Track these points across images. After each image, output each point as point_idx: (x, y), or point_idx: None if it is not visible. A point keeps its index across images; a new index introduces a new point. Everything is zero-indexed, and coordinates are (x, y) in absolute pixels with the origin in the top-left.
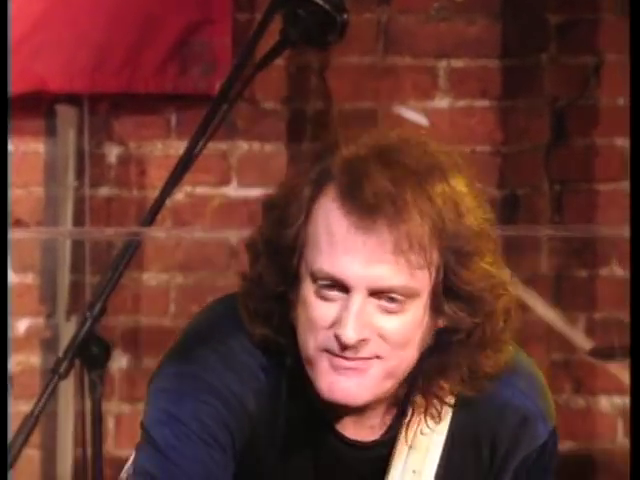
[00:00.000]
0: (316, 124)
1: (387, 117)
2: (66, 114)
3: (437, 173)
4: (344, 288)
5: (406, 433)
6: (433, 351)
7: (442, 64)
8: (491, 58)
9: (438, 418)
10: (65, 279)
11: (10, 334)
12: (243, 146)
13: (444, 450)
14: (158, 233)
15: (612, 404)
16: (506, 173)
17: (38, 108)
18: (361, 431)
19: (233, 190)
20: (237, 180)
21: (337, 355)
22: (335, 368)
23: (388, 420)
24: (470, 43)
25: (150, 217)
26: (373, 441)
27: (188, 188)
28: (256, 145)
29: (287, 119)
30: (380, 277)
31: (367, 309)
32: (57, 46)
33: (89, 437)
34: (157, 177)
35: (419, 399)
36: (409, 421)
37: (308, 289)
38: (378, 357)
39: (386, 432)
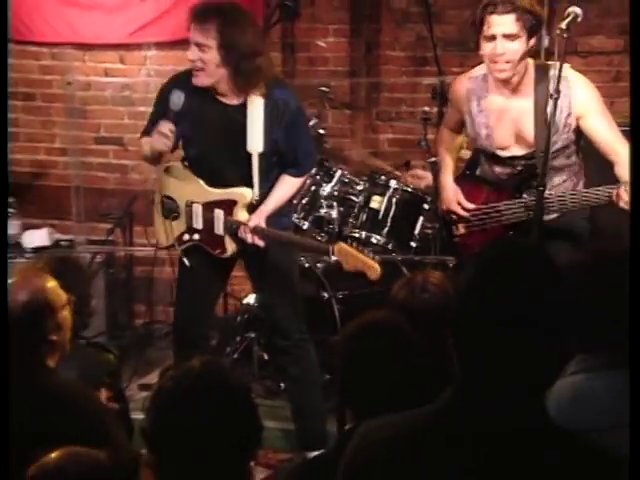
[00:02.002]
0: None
1: None
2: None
3: None
4: None
5: (252, 102)
6: None
7: None
8: None
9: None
10: None
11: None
12: None
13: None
14: None
15: None
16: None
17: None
18: (231, 98)
19: None
20: None
21: None
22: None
23: (243, 97)
24: None
25: None
26: (239, 104)
27: None
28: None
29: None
30: None
31: None
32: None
33: None
34: None
35: None
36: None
37: None
38: None
39: (243, 100)
